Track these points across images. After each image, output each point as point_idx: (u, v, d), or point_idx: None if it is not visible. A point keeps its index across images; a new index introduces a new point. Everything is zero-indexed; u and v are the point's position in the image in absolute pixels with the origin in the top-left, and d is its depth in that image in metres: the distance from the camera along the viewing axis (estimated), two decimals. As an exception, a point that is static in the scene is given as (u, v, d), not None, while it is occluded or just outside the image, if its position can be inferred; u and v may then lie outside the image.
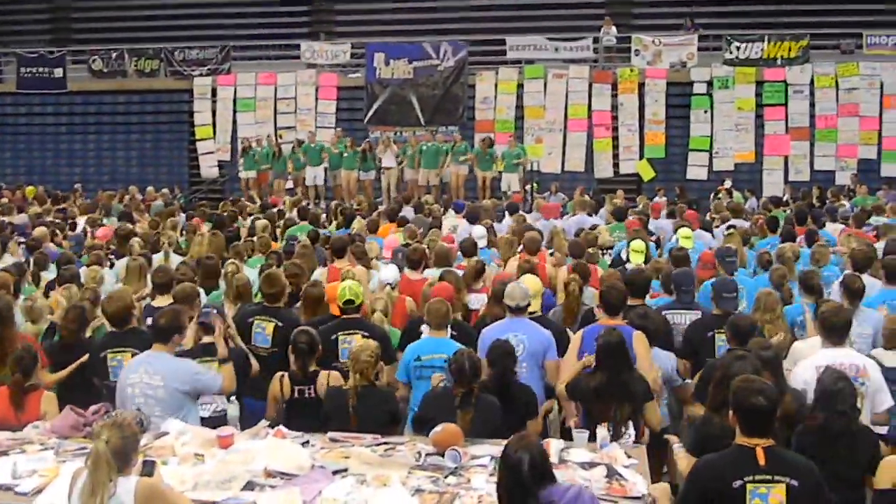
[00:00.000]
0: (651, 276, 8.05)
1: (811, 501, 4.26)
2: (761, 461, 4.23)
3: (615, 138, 24.04)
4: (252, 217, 15.47)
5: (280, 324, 7.37)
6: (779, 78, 23.57)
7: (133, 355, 6.40)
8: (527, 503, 3.97)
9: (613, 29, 24.42)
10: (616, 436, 5.72)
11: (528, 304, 7.14)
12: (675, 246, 10.61)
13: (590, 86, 24.08)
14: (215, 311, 6.55)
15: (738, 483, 4.21)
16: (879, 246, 10.28)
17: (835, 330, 6.21)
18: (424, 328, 7.03)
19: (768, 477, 4.22)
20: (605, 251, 11.20)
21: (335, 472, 5.16)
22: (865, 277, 8.24)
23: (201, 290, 8.23)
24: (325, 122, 24.81)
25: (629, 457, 5.41)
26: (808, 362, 6.14)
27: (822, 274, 8.77)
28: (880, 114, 23.31)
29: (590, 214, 14.60)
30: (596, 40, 24.46)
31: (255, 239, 11.86)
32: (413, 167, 21.36)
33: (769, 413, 4.30)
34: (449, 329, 6.88)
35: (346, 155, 21.60)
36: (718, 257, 9.10)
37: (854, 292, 7.48)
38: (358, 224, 13.09)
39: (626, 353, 6.08)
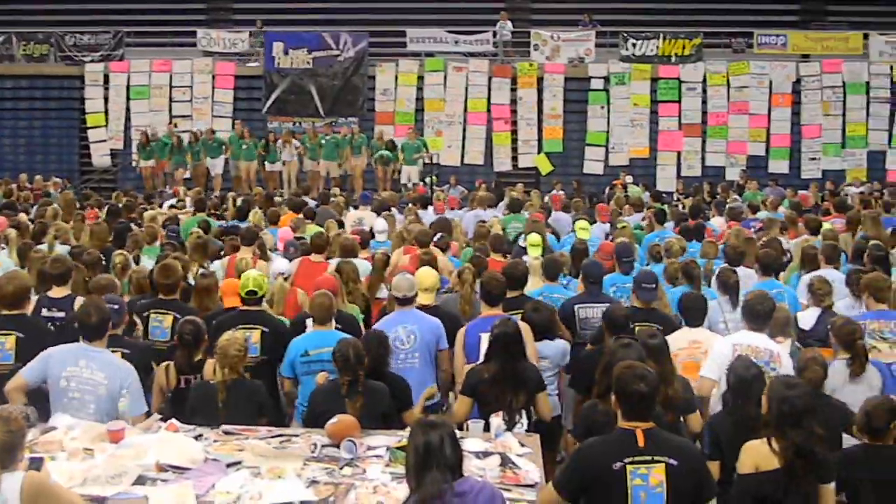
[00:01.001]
0: (526, 268, 8.13)
1: (691, 480, 4.37)
2: (641, 443, 4.34)
3: (514, 132, 24.34)
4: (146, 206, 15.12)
5: (178, 316, 7.15)
6: (673, 75, 24.16)
7: (17, 340, 6.25)
8: (440, 488, 3.94)
9: (509, 24, 24.58)
10: (510, 424, 5.79)
11: (415, 295, 7.20)
12: (576, 239, 10.80)
13: (489, 79, 24.30)
14: (117, 306, 6.40)
15: (618, 465, 4.31)
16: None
17: (758, 317, 6.47)
18: (310, 322, 6.99)
19: (648, 458, 4.32)
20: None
21: (229, 465, 5.10)
22: (742, 269, 8.66)
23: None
24: (222, 111, 24.45)
25: (523, 445, 5.49)
26: (728, 339, 6.47)
27: (712, 267, 9.09)
28: (769, 112, 24.12)
29: (487, 208, 14.70)
30: (496, 34, 24.65)
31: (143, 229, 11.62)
32: (314, 159, 21.26)
33: (649, 398, 4.41)
34: (334, 322, 6.85)
35: (244, 147, 21.37)
36: (616, 255, 9.22)
37: (729, 286, 7.92)
38: (254, 216, 12.94)
39: (519, 342, 6.17)
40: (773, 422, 4.76)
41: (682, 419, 5.82)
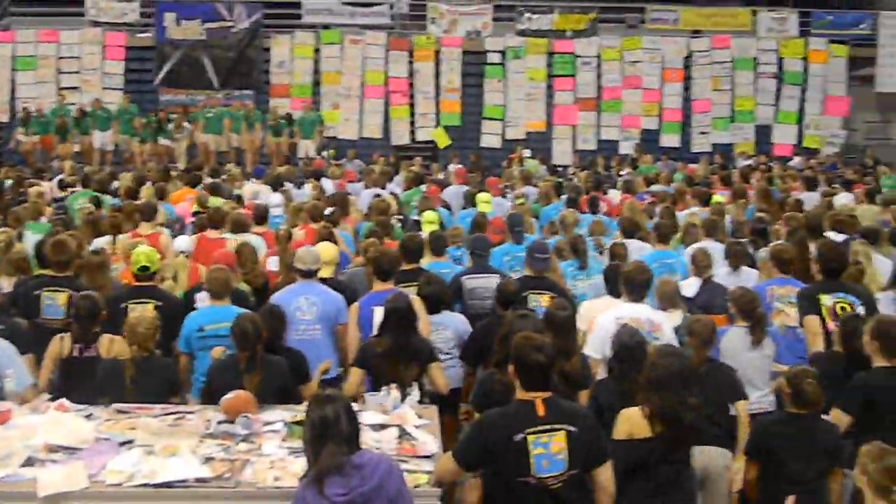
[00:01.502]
0: (423, 241, 8.22)
1: (590, 444, 4.49)
2: (540, 412, 4.42)
3: (412, 105, 24.24)
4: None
5: (74, 292, 6.96)
6: (568, 50, 24.39)
7: None
8: (337, 461, 3.95)
9: (406, -5, 24.53)
10: (402, 396, 5.83)
11: (319, 269, 7.22)
12: (477, 212, 10.89)
13: (386, 52, 24.13)
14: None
15: (519, 436, 4.37)
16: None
17: (636, 287, 6.63)
18: (202, 296, 6.91)
19: (548, 427, 4.41)
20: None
21: (121, 444, 5.03)
22: (635, 241, 9.07)
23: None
24: (112, 83, 23.66)
25: (420, 417, 5.54)
26: (610, 313, 6.54)
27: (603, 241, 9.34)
28: (661, 86, 24.60)
29: (383, 187, 14.70)
30: (392, 7, 24.51)
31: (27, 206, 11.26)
32: (206, 133, 20.91)
33: (547, 367, 4.50)
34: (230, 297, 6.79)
35: (131, 120, 20.88)
36: (509, 225, 9.39)
37: (620, 256, 8.20)
38: (147, 191, 12.67)
39: (412, 316, 6.26)
40: (644, 389, 4.88)
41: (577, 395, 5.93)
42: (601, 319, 6.52)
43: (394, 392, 5.70)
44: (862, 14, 25.40)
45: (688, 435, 4.88)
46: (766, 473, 5.32)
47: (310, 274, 7.11)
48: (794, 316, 7.07)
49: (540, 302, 7.20)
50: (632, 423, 4.85)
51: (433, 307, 6.93)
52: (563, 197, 12.62)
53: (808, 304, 6.78)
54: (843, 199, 13.48)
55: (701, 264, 8.01)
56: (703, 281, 7.94)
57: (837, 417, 5.47)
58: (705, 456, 5.57)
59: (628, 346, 5.53)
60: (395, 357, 6.04)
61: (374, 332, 6.34)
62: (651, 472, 4.83)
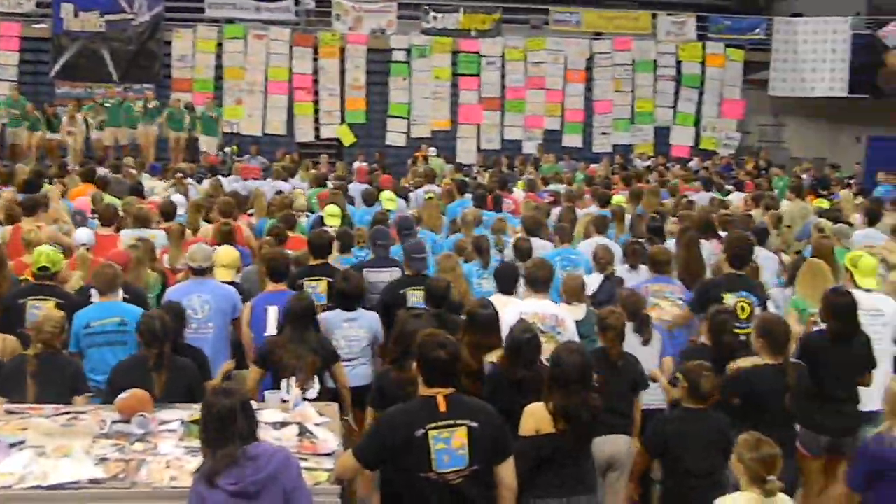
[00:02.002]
0: (331, 237, 8.26)
1: (492, 440, 4.50)
2: (442, 408, 4.43)
3: (316, 102, 24.11)
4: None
5: None
6: (473, 49, 24.57)
7: None
8: (233, 454, 3.92)
9: (313, -9, 24.37)
10: (302, 390, 5.80)
11: (211, 267, 7.20)
12: (380, 209, 10.92)
13: (291, 48, 23.94)
14: None
15: (420, 432, 4.38)
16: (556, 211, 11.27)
17: (538, 282, 6.74)
18: (95, 293, 6.78)
19: (450, 422, 4.42)
20: (303, 214, 11.23)
21: (12, 446, 4.88)
22: (537, 240, 9.21)
23: None
24: (5, 74, 22.88)
25: (321, 414, 5.52)
26: (514, 308, 6.62)
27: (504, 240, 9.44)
28: (564, 87, 24.94)
29: (285, 179, 14.57)
30: (297, 2, 24.32)
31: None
32: (107, 126, 20.44)
33: (449, 364, 4.50)
34: (121, 293, 6.66)
35: (20, 114, 20.19)
36: (398, 229, 9.43)
37: (524, 252, 8.32)
38: (47, 187, 12.32)
39: (312, 315, 6.28)
40: (547, 385, 4.94)
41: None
42: (505, 315, 6.59)
43: (294, 389, 5.67)
44: (757, 19, 26.22)
45: (590, 431, 4.97)
46: (667, 470, 5.42)
47: (201, 272, 7.07)
48: (668, 310, 7.44)
49: (420, 298, 7.23)
50: (537, 418, 4.90)
51: (348, 304, 6.91)
52: (468, 195, 12.71)
53: (709, 301, 6.90)
54: (735, 200, 13.88)
55: (602, 260, 8.26)
56: (604, 277, 8.15)
57: None
58: (611, 444, 5.76)
59: (519, 340, 5.55)
60: (294, 355, 6.00)
61: (268, 330, 6.32)
62: (556, 466, 4.90)
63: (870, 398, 6.21)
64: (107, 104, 20.84)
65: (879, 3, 25.90)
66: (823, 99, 25.25)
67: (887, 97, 24.68)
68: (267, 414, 5.36)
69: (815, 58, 25.16)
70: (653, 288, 7.64)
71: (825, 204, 12.94)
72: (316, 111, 24.11)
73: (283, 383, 5.66)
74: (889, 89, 24.65)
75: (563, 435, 4.85)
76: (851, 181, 19.98)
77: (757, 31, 25.87)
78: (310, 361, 6.02)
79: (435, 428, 4.41)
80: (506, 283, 7.19)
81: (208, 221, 10.08)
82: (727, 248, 7.34)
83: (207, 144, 20.82)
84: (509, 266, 7.50)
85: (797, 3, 26.72)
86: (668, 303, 7.47)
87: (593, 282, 8.09)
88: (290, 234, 9.13)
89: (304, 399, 5.66)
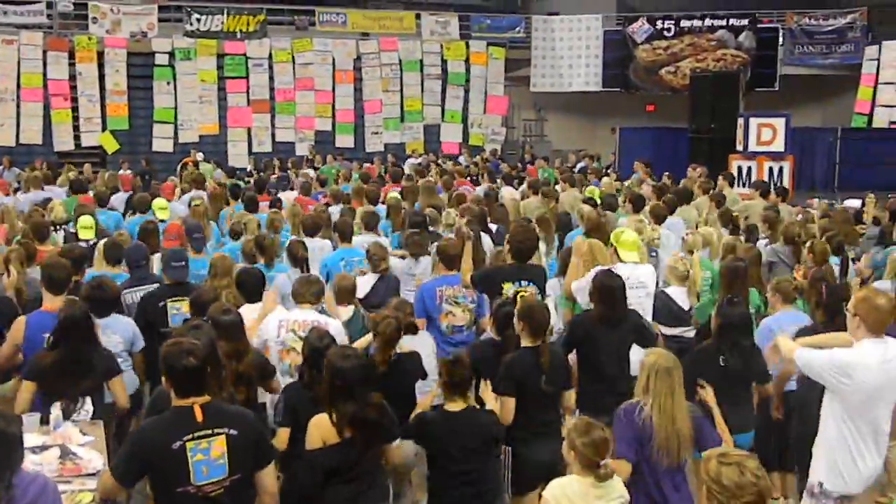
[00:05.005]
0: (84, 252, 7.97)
1: (252, 447, 4.40)
2: (199, 418, 4.27)
3: (75, 109, 23.07)
4: None
5: None
6: (239, 51, 24.24)
7: None
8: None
9: (68, -6, 23.26)
10: (69, 413, 5.55)
11: None
12: (146, 219, 10.52)
13: (44, 53, 22.80)
14: None
15: (177, 444, 4.22)
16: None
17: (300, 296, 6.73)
18: None
19: (208, 431, 4.27)
20: (58, 227, 10.67)
21: None
22: (317, 240, 9.36)
23: None
24: None
25: (84, 434, 5.30)
26: (274, 315, 6.54)
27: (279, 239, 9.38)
28: (333, 88, 24.99)
29: (42, 188, 13.86)
30: (50, 6, 23.17)
31: None
32: None
33: (200, 371, 4.34)
34: None
35: None
36: (187, 232, 9.17)
37: (297, 258, 8.45)
38: None
39: (89, 328, 5.90)
40: (328, 395, 4.87)
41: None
42: (265, 323, 6.56)
43: (56, 411, 5.42)
44: (516, 18, 27.24)
45: (378, 434, 4.94)
46: (431, 465, 5.43)
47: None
48: (460, 316, 7.42)
49: (180, 309, 7.06)
50: (322, 430, 4.83)
51: (102, 310, 6.62)
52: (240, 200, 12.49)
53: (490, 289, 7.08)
54: (505, 193, 14.34)
55: (375, 257, 8.14)
56: (378, 276, 8.09)
57: (504, 404, 5.64)
58: (399, 448, 5.70)
59: (317, 349, 5.37)
60: (65, 370, 5.67)
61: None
62: (347, 475, 4.87)
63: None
64: None
65: (629, 1, 27.51)
66: (580, 94, 26.57)
67: (637, 90, 26.28)
68: (27, 438, 5.09)
69: (572, 54, 26.47)
70: (446, 292, 7.49)
71: (596, 192, 13.51)
72: (75, 119, 23.05)
73: (52, 411, 5.39)
74: (639, 83, 26.24)
75: (351, 441, 4.81)
76: (609, 170, 21.08)
77: (517, 29, 26.84)
78: (82, 385, 5.71)
79: (192, 439, 4.26)
80: (250, 292, 7.13)
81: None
82: (509, 241, 7.32)
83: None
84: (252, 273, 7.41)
85: (553, 2, 27.96)
86: (459, 308, 7.42)
87: (366, 283, 8.07)
88: (40, 247, 8.61)
89: (72, 421, 5.43)
